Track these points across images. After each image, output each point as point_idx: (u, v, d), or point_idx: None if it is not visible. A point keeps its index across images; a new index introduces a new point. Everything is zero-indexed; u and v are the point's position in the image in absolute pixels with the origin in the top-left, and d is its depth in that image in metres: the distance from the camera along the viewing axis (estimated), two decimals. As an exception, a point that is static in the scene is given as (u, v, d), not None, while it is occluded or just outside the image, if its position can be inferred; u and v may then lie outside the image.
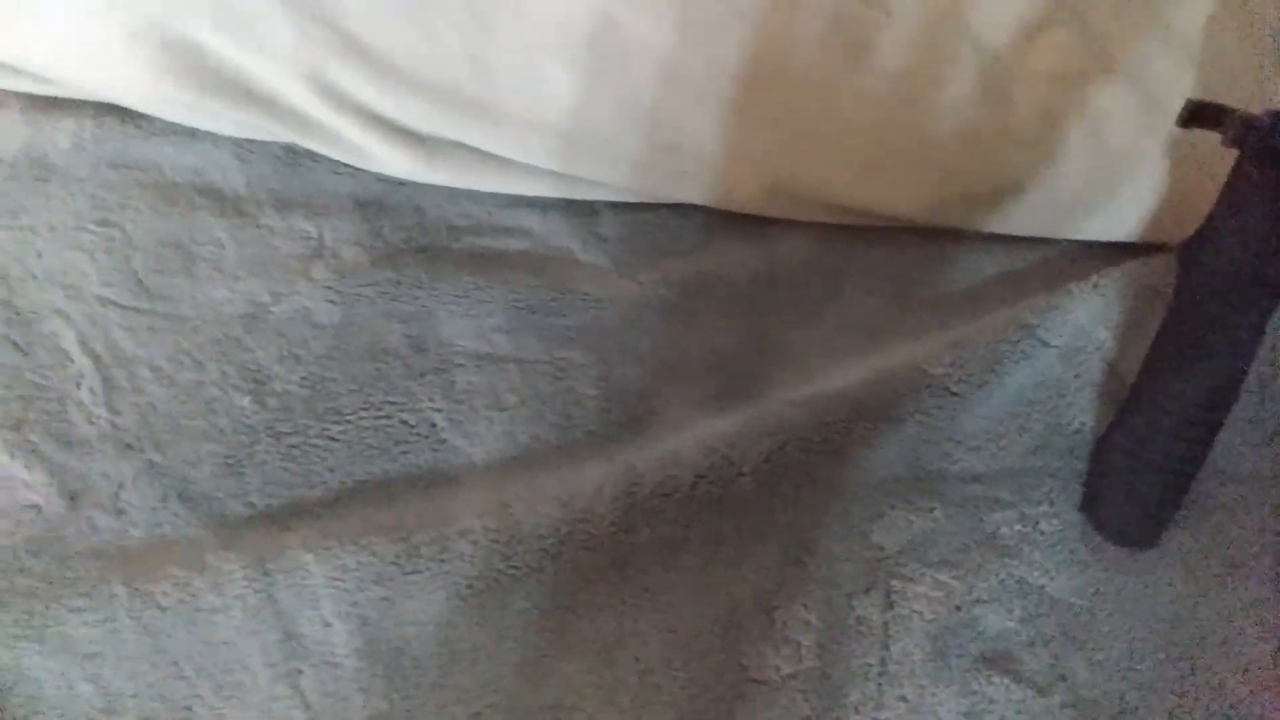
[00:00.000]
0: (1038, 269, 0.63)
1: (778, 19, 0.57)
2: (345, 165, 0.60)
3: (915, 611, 0.53)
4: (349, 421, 0.54)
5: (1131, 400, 0.56)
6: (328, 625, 0.47)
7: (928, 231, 0.63)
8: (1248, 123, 0.49)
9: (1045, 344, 0.58)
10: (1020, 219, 0.63)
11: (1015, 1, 0.59)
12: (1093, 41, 0.59)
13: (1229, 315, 0.53)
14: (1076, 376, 0.58)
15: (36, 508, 0.49)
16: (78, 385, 0.52)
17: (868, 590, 0.53)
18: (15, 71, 0.58)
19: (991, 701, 0.51)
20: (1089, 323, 0.58)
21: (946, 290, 0.63)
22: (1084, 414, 0.58)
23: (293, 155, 0.60)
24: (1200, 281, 0.54)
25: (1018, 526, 0.57)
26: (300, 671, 0.47)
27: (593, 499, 0.52)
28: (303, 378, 0.54)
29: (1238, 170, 0.51)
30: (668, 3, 0.56)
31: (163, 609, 0.46)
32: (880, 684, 0.51)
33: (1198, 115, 0.50)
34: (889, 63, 0.58)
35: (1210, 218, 0.53)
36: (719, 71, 0.58)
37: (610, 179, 0.61)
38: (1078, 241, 0.64)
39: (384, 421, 0.54)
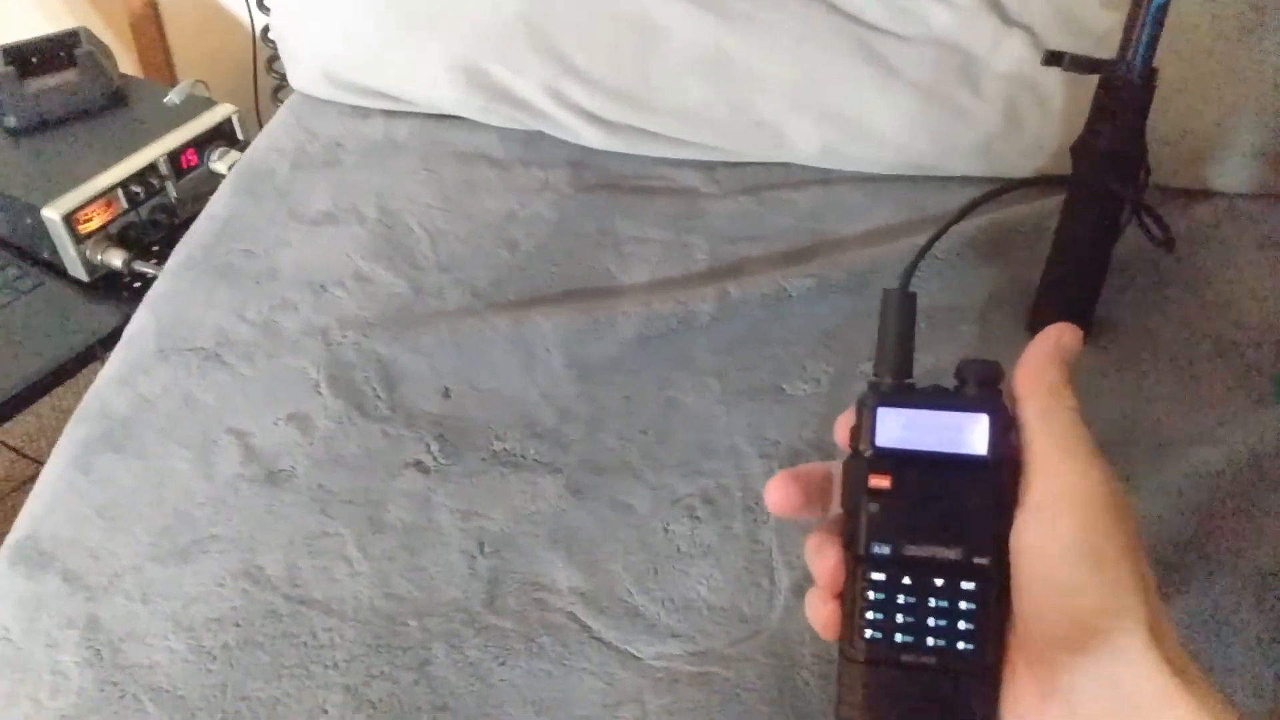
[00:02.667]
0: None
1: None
2: (562, 140, 1.07)
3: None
4: (561, 265, 0.97)
5: (1056, 248, 0.92)
6: (549, 351, 0.89)
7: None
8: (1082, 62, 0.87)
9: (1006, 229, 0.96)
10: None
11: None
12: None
13: (1102, 183, 0.89)
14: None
15: (399, 295, 0.94)
16: (418, 243, 0.98)
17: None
18: (377, 94, 1.09)
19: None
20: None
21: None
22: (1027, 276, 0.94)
23: (534, 135, 1.07)
24: (1083, 165, 0.90)
25: (983, 340, 0.93)
26: (534, 370, 0.88)
27: (699, 302, 0.92)
28: (537, 244, 0.99)
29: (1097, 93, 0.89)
30: (759, 33, 1.01)
31: (462, 335, 0.89)
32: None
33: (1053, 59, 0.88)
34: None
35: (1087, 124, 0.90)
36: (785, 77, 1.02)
37: (723, 145, 1.05)
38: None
39: (581, 266, 0.97)
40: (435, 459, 0.81)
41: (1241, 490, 0.79)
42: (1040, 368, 0.40)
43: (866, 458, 0.40)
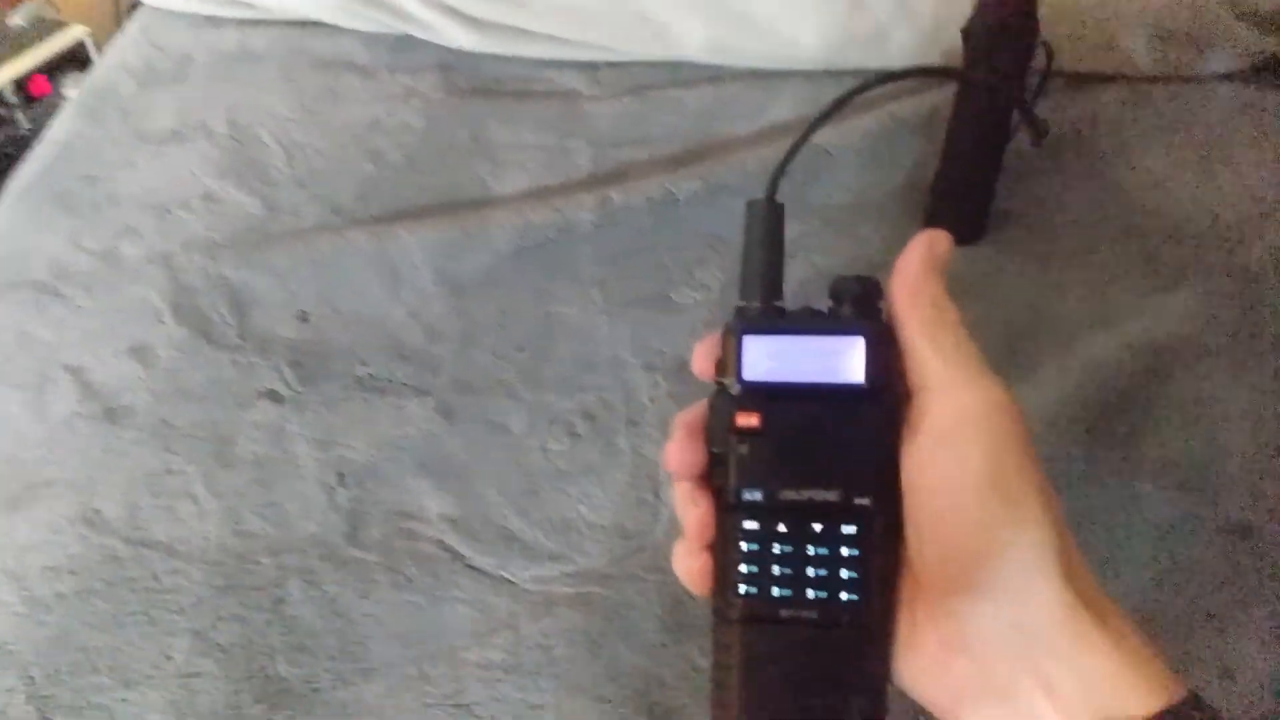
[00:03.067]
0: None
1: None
2: (432, 43, 1.00)
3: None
4: (430, 176, 0.91)
5: (948, 141, 0.88)
6: (415, 267, 0.84)
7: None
8: None
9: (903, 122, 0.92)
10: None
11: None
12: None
13: (992, 64, 0.84)
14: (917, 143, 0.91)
15: (252, 214, 0.87)
16: (272, 158, 0.92)
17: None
18: (232, 3, 1.01)
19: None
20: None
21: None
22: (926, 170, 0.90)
23: (401, 40, 1.00)
24: (974, 48, 0.86)
25: (883, 239, 0.89)
26: (400, 288, 0.83)
27: (577, 207, 0.87)
28: (404, 155, 0.93)
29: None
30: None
31: (320, 254, 0.84)
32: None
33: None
34: None
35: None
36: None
37: (605, 43, 0.99)
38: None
39: (452, 176, 0.91)
40: (290, 387, 0.76)
41: (1142, 379, 0.77)
42: (917, 281, 0.35)
43: (733, 394, 0.36)
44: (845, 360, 0.35)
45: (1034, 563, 0.32)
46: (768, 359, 0.35)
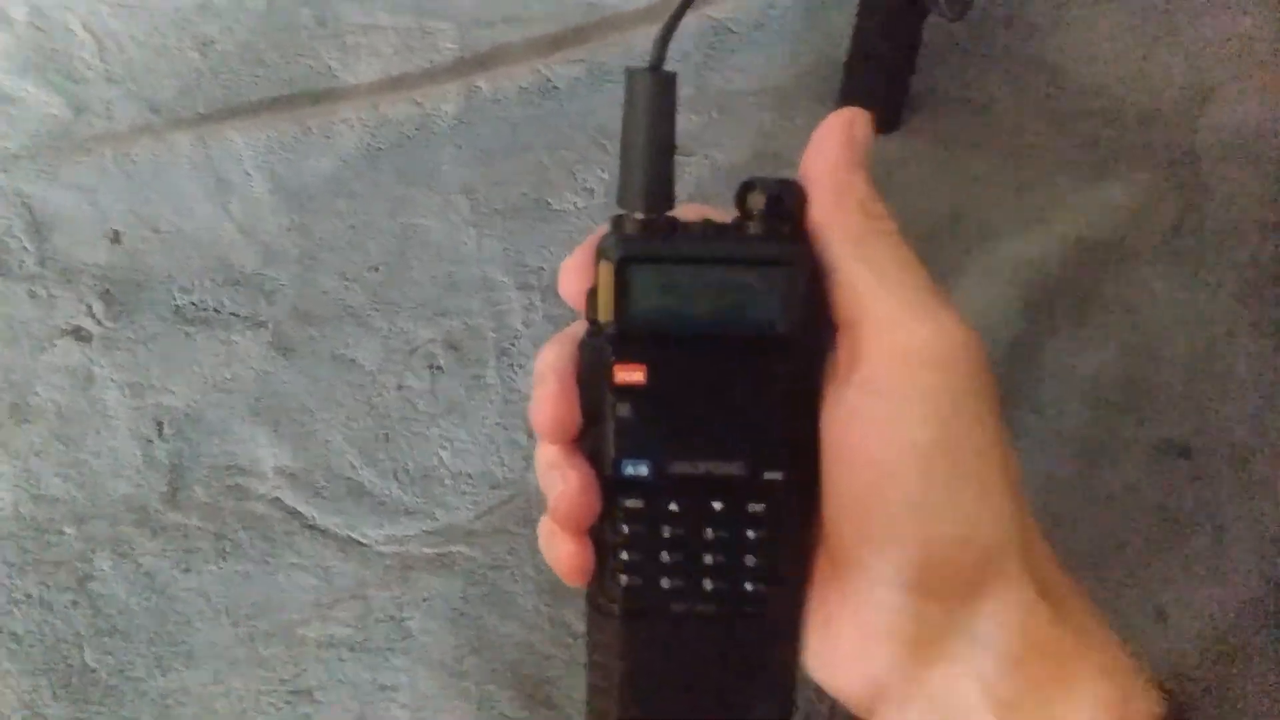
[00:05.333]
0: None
1: None
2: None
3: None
4: (269, 66, 0.80)
5: (861, 13, 0.79)
6: (248, 174, 0.73)
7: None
8: None
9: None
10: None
11: None
12: None
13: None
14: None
15: (55, 116, 0.76)
16: (81, 48, 0.79)
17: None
18: None
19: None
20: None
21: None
22: (839, 49, 0.81)
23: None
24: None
25: (790, 130, 0.80)
26: (229, 200, 0.72)
27: (439, 99, 0.77)
28: (236, 41, 0.81)
29: None
30: None
31: (135, 162, 0.73)
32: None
33: None
34: None
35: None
36: None
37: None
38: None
39: (294, 65, 0.80)
40: (99, 322, 0.66)
41: (1071, 284, 0.70)
42: (839, 177, 0.27)
43: (610, 338, 0.28)
44: (757, 296, 0.27)
45: (988, 557, 0.26)
46: (656, 294, 0.28)
